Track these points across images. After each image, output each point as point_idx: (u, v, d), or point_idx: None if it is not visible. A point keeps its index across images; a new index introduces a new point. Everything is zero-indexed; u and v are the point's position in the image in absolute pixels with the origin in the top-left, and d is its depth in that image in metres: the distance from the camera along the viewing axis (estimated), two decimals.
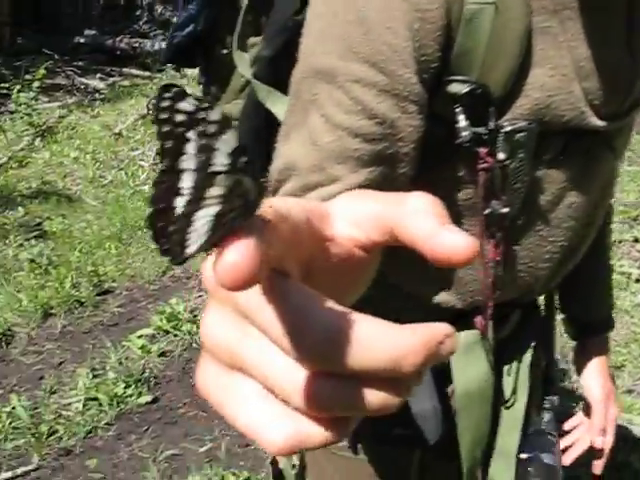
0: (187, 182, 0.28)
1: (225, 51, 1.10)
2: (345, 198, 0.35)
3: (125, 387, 2.76)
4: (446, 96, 0.74)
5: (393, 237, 0.32)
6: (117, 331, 3.21)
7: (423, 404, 0.93)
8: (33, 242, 3.85)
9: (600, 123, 0.79)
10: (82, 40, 7.57)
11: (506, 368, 1.01)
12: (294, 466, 1.15)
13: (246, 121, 1.04)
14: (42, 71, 5.71)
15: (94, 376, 2.85)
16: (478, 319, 0.91)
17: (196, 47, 1.18)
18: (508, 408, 1.01)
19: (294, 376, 0.29)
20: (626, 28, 0.77)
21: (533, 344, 1.02)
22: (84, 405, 2.69)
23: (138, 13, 8.03)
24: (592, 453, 1.17)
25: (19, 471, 2.40)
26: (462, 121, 0.74)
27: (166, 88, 0.27)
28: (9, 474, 2.39)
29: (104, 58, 7.36)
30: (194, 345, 3.08)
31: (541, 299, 1.08)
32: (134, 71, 7.09)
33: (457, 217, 0.84)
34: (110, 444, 2.55)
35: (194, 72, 5.11)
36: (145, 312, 3.35)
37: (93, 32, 7.66)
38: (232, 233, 0.27)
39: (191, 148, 0.27)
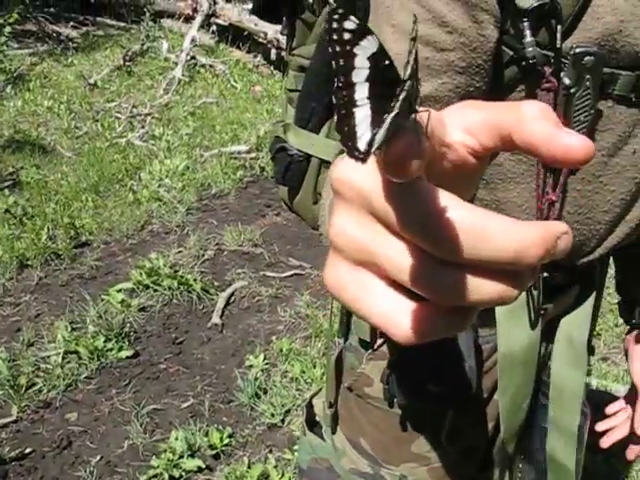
0: (362, 93, 0.32)
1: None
2: (457, 107, 0.37)
3: (105, 341, 2.72)
4: (515, 10, 0.72)
5: (506, 142, 0.34)
6: (95, 284, 3.16)
7: (458, 362, 0.91)
8: (7, 192, 3.75)
9: None
10: None
11: (561, 341, 1.00)
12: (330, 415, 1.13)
13: (320, 53, 1.03)
14: (15, 15, 5.52)
15: (73, 329, 2.81)
16: None
17: None
18: (558, 378, 1.00)
19: (425, 267, 0.31)
20: None
21: (589, 318, 1.01)
22: (63, 358, 2.65)
23: None
24: (630, 438, 1.16)
25: None
26: (528, 36, 0.72)
27: (333, 11, 0.31)
28: None
29: (77, 6, 7.13)
30: (174, 301, 3.05)
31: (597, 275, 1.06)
32: (108, 21, 6.89)
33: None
34: (91, 398, 2.52)
35: (172, 24, 4.93)
36: (123, 266, 3.30)
37: None
38: (401, 130, 0.31)
39: (359, 63, 0.32)
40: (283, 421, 2.45)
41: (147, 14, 6.02)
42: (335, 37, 0.31)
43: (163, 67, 5.78)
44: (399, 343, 0.33)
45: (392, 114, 0.31)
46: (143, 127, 4.72)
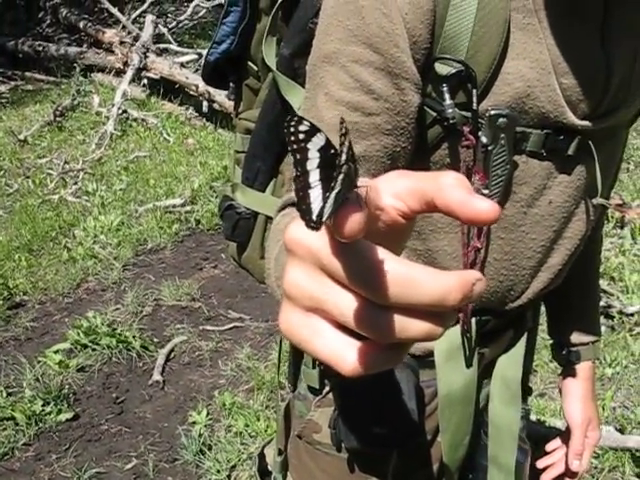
0: (314, 177, 0.41)
1: (255, 67, 1.12)
2: (389, 177, 0.44)
3: (43, 404, 2.67)
4: (435, 77, 0.81)
5: (429, 206, 0.41)
6: (31, 346, 3.10)
7: (400, 405, 0.96)
8: None
9: (578, 122, 0.85)
10: None
11: (496, 381, 1.07)
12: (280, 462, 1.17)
13: (264, 115, 1.09)
14: None
15: (9, 394, 2.74)
16: (461, 314, 0.95)
17: (230, 64, 1.19)
18: (495, 417, 1.06)
19: (365, 311, 0.38)
20: (601, 33, 0.83)
21: (522, 358, 1.08)
22: None
23: (41, 15, 7.74)
24: (566, 474, 1.23)
25: None
26: (447, 99, 0.81)
27: (291, 119, 0.39)
28: None
29: (5, 60, 7.07)
30: (114, 359, 3.01)
31: (529, 317, 1.13)
32: (37, 76, 6.84)
33: None
34: (29, 465, 2.46)
35: (103, 78, 4.95)
36: (60, 326, 3.25)
37: None
38: (345, 202, 0.39)
39: (311, 154, 0.40)
40: (229, 477, 2.44)
41: (77, 68, 6.00)
42: (293, 138, 0.39)
43: (95, 121, 5.76)
44: (345, 376, 0.39)
45: (335, 191, 0.39)
46: (76, 183, 4.68)
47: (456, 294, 0.36)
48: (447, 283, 0.36)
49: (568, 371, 1.24)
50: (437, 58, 0.80)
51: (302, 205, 0.40)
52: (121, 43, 6.48)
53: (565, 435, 1.25)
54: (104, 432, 2.63)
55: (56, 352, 3.00)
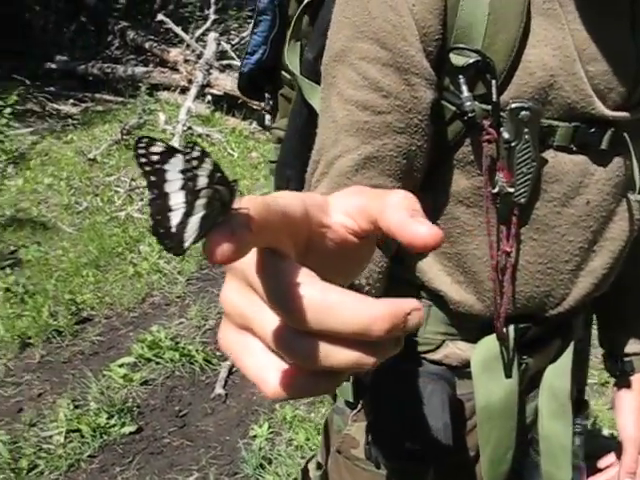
0: (176, 200, 0.38)
1: (289, 76, 1.11)
2: (343, 193, 0.42)
3: (108, 417, 2.70)
4: (451, 69, 0.77)
5: (376, 226, 0.39)
6: (97, 360, 3.15)
7: (434, 419, 0.92)
8: (8, 271, 3.77)
9: (609, 112, 0.79)
10: (53, 66, 7.50)
11: (544, 393, 1.01)
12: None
13: (292, 122, 1.08)
14: (14, 97, 5.64)
15: (75, 407, 2.79)
16: (498, 323, 0.91)
17: (264, 75, 1.19)
18: (544, 431, 1.00)
19: (284, 334, 0.36)
20: (630, 17, 0.78)
21: (569, 368, 1.02)
22: (65, 437, 2.63)
23: (110, 39, 7.98)
24: None
25: None
26: (465, 91, 0.77)
27: (140, 140, 0.38)
28: None
29: (76, 84, 7.29)
30: (177, 373, 3.04)
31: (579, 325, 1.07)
32: (106, 96, 7.03)
33: (468, 202, 0.86)
34: (94, 477, 2.49)
35: (168, 96, 5.04)
36: (125, 340, 3.30)
37: (64, 58, 7.60)
38: (215, 226, 0.37)
39: (171, 176, 0.38)
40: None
41: (143, 88, 6.14)
42: (144, 160, 0.37)
43: (161, 139, 5.87)
44: (268, 398, 0.37)
45: (198, 216, 0.38)
46: (142, 200, 4.77)
47: (382, 324, 0.33)
48: (371, 312, 0.34)
49: (622, 383, 1.17)
50: (452, 48, 0.76)
51: (160, 228, 0.38)
52: (185, 61, 6.61)
53: (619, 450, 1.18)
54: (166, 445, 2.65)
55: (121, 366, 3.04)
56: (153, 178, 0.38)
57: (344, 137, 0.79)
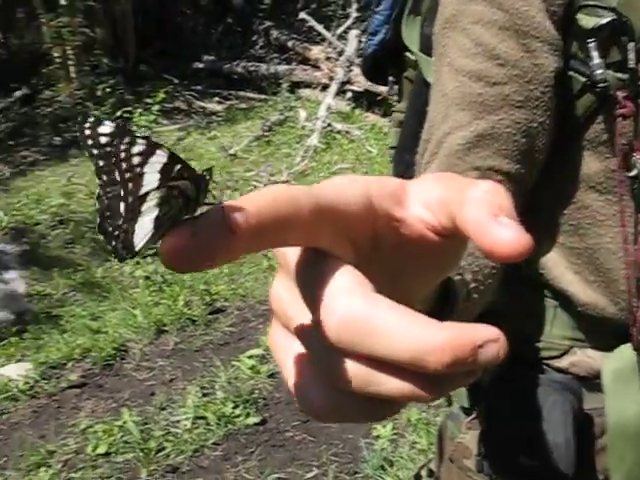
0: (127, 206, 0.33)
1: (413, 57, 1.06)
2: (425, 179, 0.35)
3: (234, 407, 2.74)
4: (579, 32, 0.68)
5: (455, 224, 0.32)
6: (227, 350, 3.21)
7: (554, 434, 0.82)
8: (149, 260, 3.93)
9: None
10: (200, 65, 7.79)
11: None
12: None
13: (412, 105, 1.02)
14: (161, 95, 5.91)
15: (203, 394, 2.85)
16: (634, 329, 0.80)
17: (388, 57, 1.15)
18: None
19: (324, 349, 0.30)
20: None
21: None
22: (192, 423, 2.69)
23: (254, 38, 8.19)
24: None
25: None
26: (595, 58, 0.67)
27: (85, 119, 0.32)
28: None
29: (221, 82, 7.54)
30: None
31: None
32: (250, 94, 7.22)
33: (600, 188, 0.76)
34: (217, 464, 2.53)
35: (309, 93, 5.09)
36: (255, 332, 3.34)
37: (211, 57, 7.87)
38: (177, 226, 0.31)
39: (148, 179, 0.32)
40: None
41: (284, 85, 6.24)
42: (90, 141, 0.32)
43: (300, 135, 5.95)
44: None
45: (150, 217, 0.32)
46: None
47: (441, 356, 0.27)
48: (428, 339, 0.27)
49: None
50: (580, 7, 0.66)
51: (106, 227, 0.33)
52: (327, 59, 6.65)
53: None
54: (289, 439, 2.65)
55: (250, 357, 3.08)
56: (100, 163, 0.32)
57: (455, 112, 0.71)
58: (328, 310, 0.29)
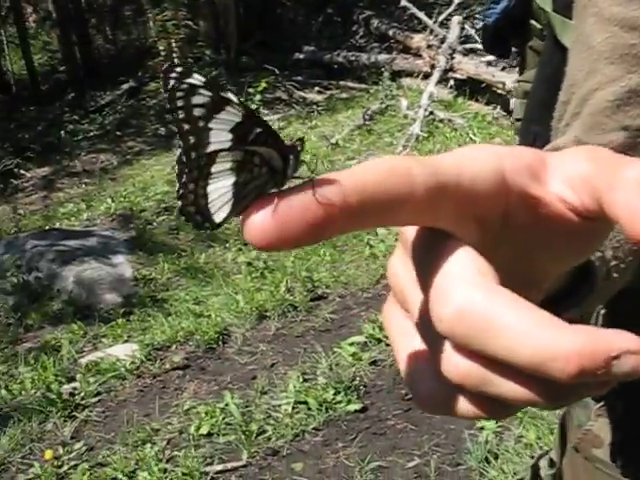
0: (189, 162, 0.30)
1: (539, 25, 1.00)
2: (568, 153, 0.31)
3: (335, 393, 2.72)
4: None
5: (601, 207, 0.28)
6: (328, 337, 3.20)
7: None
8: (251, 247, 3.96)
9: None
10: (301, 56, 7.83)
11: None
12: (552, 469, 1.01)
13: (540, 73, 0.96)
14: (263, 85, 5.97)
15: (304, 380, 2.85)
16: None
17: (511, 26, 1.10)
18: None
19: (438, 340, 0.28)
20: None
21: None
22: (293, 408, 2.69)
23: (354, 28, 8.16)
24: None
25: (229, 466, 2.46)
26: None
27: (170, 67, 0.28)
28: (220, 467, 2.45)
29: (322, 72, 7.56)
30: None
31: None
32: (350, 84, 7.20)
33: None
34: (317, 449, 2.52)
35: (410, 82, 5.04)
36: (357, 320, 3.31)
37: (312, 48, 7.89)
38: (263, 199, 0.27)
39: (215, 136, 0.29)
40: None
41: (385, 74, 6.18)
42: (183, 115, 0.29)
43: (402, 124, 5.88)
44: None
45: (228, 182, 0.30)
46: None
47: (566, 365, 0.23)
48: (554, 344, 0.23)
49: None
50: None
51: (182, 199, 0.30)
52: (428, 47, 6.55)
53: None
54: (390, 427, 2.61)
55: (351, 344, 3.05)
56: (192, 139, 0.29)
57: (603, 66, 0.64)
58: (443, 299, 0.26)
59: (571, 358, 0.23)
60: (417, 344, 0.31)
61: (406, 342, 0.31)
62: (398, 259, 0.32)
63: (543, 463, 1.09)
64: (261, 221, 0.26)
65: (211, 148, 0.30)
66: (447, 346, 0.27)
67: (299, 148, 0.31)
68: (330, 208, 0.26)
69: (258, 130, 0.30)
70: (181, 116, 0.29)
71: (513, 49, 1.15)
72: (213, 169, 0.30)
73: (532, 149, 0.31)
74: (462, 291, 0.26)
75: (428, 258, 0.28)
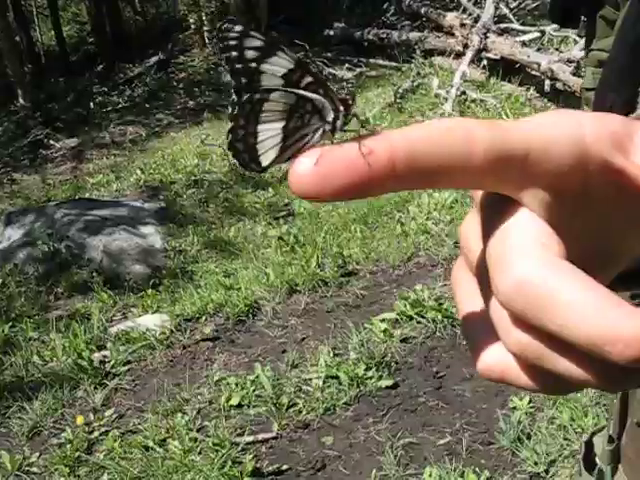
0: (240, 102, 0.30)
1: None
2: None
3: (366, 369, 2.71)
4: None
5: None
6: (359, 313, 3.18)
7: None
8: (281, 221, 3.96)
9: None
10: (331, 32, 7.76)
11: None
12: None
13: (621, 41, 0.93)
14: None
15: (335, 355, 2.84)
16: None
17: None
18: None
19: (499, 311, 0.27)
20: None
21: None
22: (324, 382, 2.68)
23: (385, 5, 8.06)
24: None
25: (259, 437, 2.46)
26: None
27: (229, 25, 0.29)
28: (250, 438, 2.45)
29: (352, 49, 7.49)
30: (437, 334, 2.96)
31: None
32: (380, 61, 7.13)
33: None
34: (347, 424, 2.51)
35: (442, 61, 4.97)
36: (388, 296, 3.29)
37: (342, 25, 7.82)
38: (312, 149, 0.27)
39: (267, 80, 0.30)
40: (547, 472, 2.23)
41: (417, 52, 6.10)
42: (236, 53, 0.30)
43: (433, 103, 5.81)
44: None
45: (277, 126, 0.30)
46: None
47: (624, 349, 0.23)
48: (613, 327, 0.23)
49: None
50: None
51: (233, 139, 0.31)
52: (461, 25, 6.45)
53: None
54: (421, 404, 2.59)
55: (382, 321, 3.04)
56: (244, 80, 0.30)
57: None
58: (502, 271, 0.26)
59: (632, 343, 0.23)
60: (479, 309, 0.30)
61: (471, 305, 0.31)
62: (470, 218, 0.31)
63: (598, 439, 1.06)
64: (305, 169, 0.26)
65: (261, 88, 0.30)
66: (507, 316, 0.27)
67: (350, 102, 0.31)
68: (376, 164, 0.26)
69: (309, 79, 0.30)
70: (234, 55, 0.29)
71: (583, 18, 1.11)
72: (265, 108, 0.30)
73: (618, 116, 0.29)
74: (521, 264, 0.25)
75: (493, 223, 0.28)
